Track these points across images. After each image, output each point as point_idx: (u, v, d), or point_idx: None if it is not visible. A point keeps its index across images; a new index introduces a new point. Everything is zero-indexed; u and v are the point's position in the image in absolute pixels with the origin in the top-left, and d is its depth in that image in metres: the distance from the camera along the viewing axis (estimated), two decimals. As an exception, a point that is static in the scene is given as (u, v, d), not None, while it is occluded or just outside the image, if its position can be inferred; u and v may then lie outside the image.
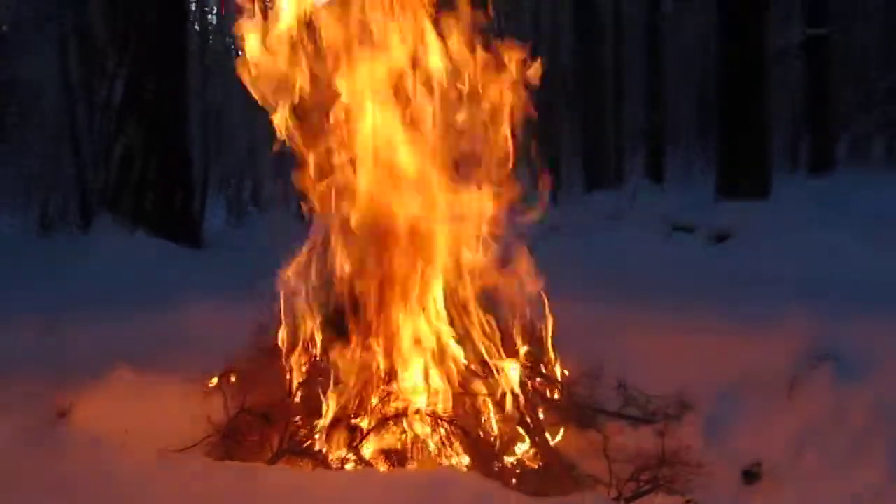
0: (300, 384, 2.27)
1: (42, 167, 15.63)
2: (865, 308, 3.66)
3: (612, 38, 17.06)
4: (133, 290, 5.13)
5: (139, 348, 3.21)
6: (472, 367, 2.29)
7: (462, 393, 2.23)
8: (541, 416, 2.40)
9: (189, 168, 7.88)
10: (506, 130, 2.50)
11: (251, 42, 2.42)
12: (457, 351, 2.28)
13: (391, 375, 2.21)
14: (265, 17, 2.46)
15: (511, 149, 2.51)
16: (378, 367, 2.21)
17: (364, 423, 2.14)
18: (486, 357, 2.36)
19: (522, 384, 2.37)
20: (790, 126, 16.89)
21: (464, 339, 2.34)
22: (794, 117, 16.42)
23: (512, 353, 2.50)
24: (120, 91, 7.24)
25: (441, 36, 2.40)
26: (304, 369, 2.32)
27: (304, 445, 2.16)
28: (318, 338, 2.34)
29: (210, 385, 2.43)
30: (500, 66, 2.47)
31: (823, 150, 14.72)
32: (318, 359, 2.30)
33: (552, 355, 2.62)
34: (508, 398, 2.27)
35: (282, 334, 2.44)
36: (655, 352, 3.17)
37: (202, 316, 3.74)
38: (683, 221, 7.16)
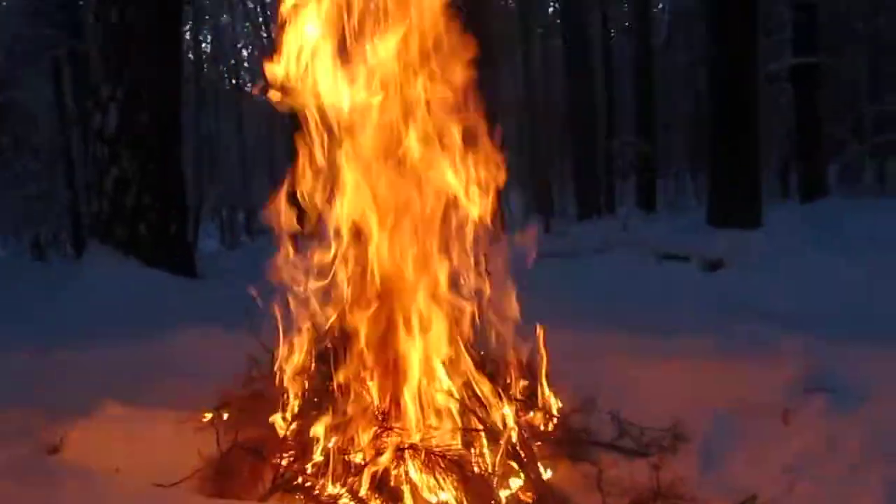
0: (293, 418, 2.26)
1: (36, 194, 15.62)
2: (859, 336, 3.69)
3: (602, 71, 17.23)
4: (126, 318, 5.13)
5: (131, 379, 3.20)
6: (466, 401, 2.28)
7: (456, 428, 2.22)
8: (535, 449, 2.39)
9: (183, 196, 7.89)
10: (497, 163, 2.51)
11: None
12: (451, 385, 2.27)
13: (385, 410, 2.20)
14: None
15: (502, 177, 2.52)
16: (372, 402, 2.20)
17: (358, 458, 2.13)
18: (479, 391, 2.35)
19: (516, 418, 2.36)
20: (781, 153, 17.04)
21: (457, 372, 2.33)
22: (785, 144, 16.55)
23: (505, 385, 2.49)
24: (114, 119, 7.26)
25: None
26: (298, 403, 2.31)
27: (297, 481, 2.14)
28: (312, 371, 2.33)
29: (202, 419, 2.41)
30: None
31: (815, 176, 14.82)
32: (312, 393, 2.29)
33: (546, 388, 2.61)
34: (503, 433, 2.26)
35: (276, 367, 2.43)
36: (649, 381, 3.17)
37: (195, 346, 3.73)
38: (675, 250, 7.19)
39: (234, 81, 24.74)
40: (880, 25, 17.19)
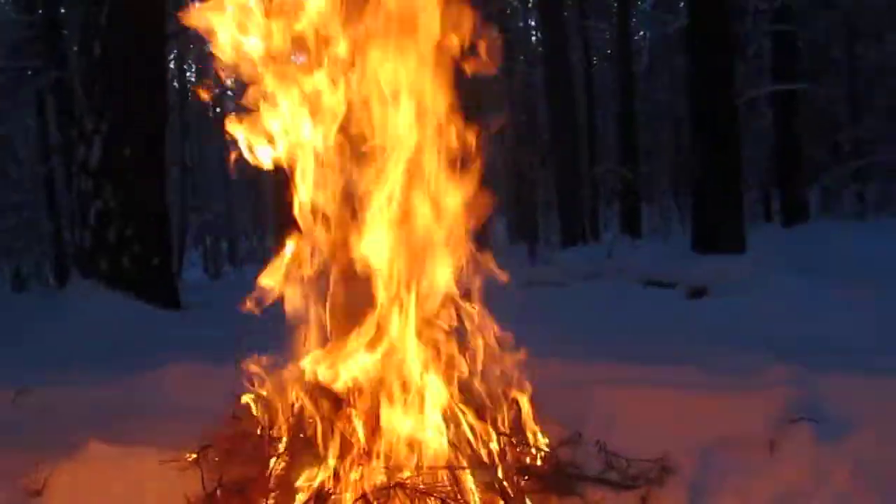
0: (279, 457, 2.24)
1: (18, 225, 15.55)
2: (845, 365, 3.70)
3: (584, 98, 17.41)
4: (109, 353, 5.09)
5: (115, 417, 3.16)
6: (452, 437, 2.27)
7: (443, 465, 2.20)
8: (521, 484, 2.38)
9: (166, 229, 7.88)
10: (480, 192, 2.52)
11: None
12: (438, 421, 2.26)
13: (371, 449, 2.19)
14: None
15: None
16: (358, 441, 2.18)
17: (348, 498, 2.11)
18: (465, 425, 2.34)
19: (502, 452, 2.36)
20: (762, 177, 17.24)
21: (443, 408, 2.33)
22: (767, 169, 16.76)
23: (492, 419, 2.48)
24: (98, 152, 7.26)
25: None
26: (283, 442, 2.29)
27: (283, 521, 2.12)
28: (298, 410, 2.32)
29: (187, 459, 2.39)
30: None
31: (796, 200, 14.99)
32: (297, 432, 2.28)
33: (532, 422, 2.60)
34: (489, 469, 2.25)
35: (260, 406, 2.41)
36: (636, 412, 3.16)
37: (180, 382, 3.70)
38: (659, 277, 7.23)
39: (218, 110, 24.80)
40: (858, 52, 17.51)
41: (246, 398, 2.51)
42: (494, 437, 2.39)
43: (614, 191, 16.39)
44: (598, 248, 11.49)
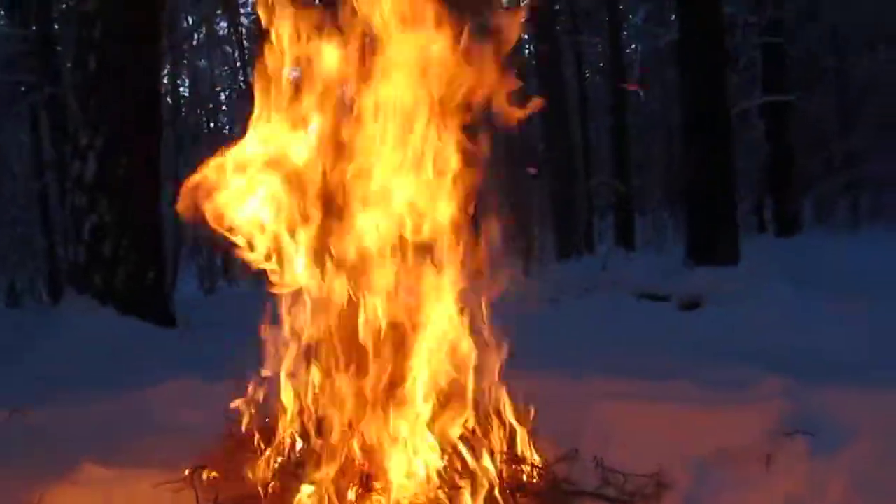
0: (273, 477, 2.24)
1: (12, 241, 15.51)
2: (839, 377, 3.71)
3: (578, 112, 17.47)
4: (103, 370, 5.06)
5: (109, 436, 3.15)
6: (447, 455, 2.27)
7: (438, 485, 2.20)
8: (518, 501, 2.37)
9: (161, 245, 7.86)
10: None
11: None
12: (432, 440, 2.26)
13: (366, 468, 2.18)
14: None
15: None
16: (355, 460, 2.18)
17: (341, 517, 2.11)
18: (459, 445, 2.33)
19: (499, 470, 2.35)
20: (756, 188, 17.31)
21: (438, 426, 2.32)
22: (759, 180, 16.82)
23: (487, 436, 2.48)
24: (93, 167, 7.24)
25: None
26: (278, 462, 2.28)
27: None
28: (295, 429, 2.31)
29: (182, 478, 2.38)
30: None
31: (789, 212, 15.05)
32: (293, 452, 2.27)
33: (528, 438, 2.60)
34: (486, 487, 2.24)
35: (255, 427, 2.40)
36: (632, 426, 3.16)
37: (174, 400, 3.68)
38: (655, 290, 7.24)
39: (212, 125, 24.83)
40: (847, 64, 17.62)
41: (241, 417, 2.50)
42: (491, 454, 2.38)
43: (608, 203, 16.43)
44: (593, 261, 11.51)
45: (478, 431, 2.44)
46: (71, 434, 3.24)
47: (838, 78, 18.00)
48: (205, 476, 2.36)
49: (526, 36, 22.35)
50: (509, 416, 2.61)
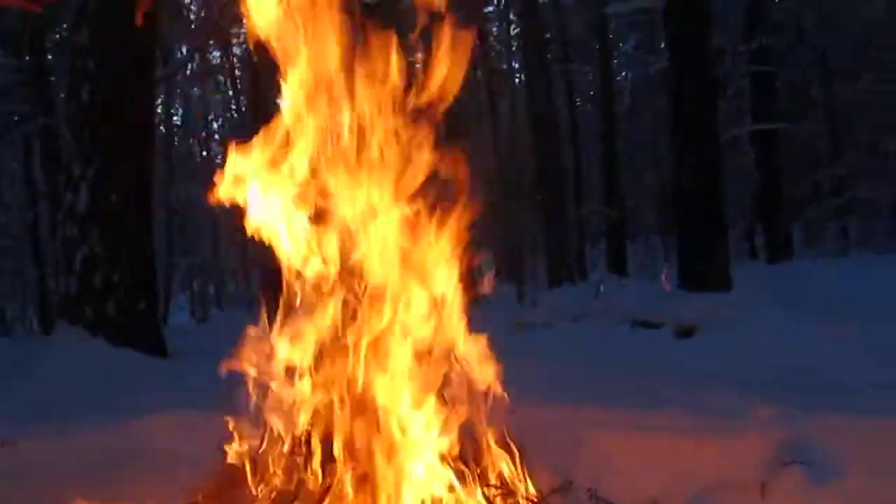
0: (267, 510, 2.22)
1: (2, 271, 15.45)
2: (833, 405, 3.71)
3: (569, 139, 17.60)
4: (94, 402, 5.02)
5: (101, 471, 3.11)
6: (441, 489, 2.25)
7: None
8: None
9: (153, 275, 7.83)
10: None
11: None
12: (427, 473, 2.25)
13: (361, 502, 2.16)
14: None
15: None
16: (347, 495, 2.16)
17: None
18: (454, 479, 2.32)
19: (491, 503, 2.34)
20: (746, 215, 17.42)
21: (432, 459, 2.31)
22: (750, 207, 16.93)
23: (481, 469, 2.46)
24: (85, 198, 7.24)
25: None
26: (271, 498, 2.26)
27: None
28: (288, 462, 2.29)
29: (173, 514, 2.36)
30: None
31: (779, 238, 15.13)
32: (285, 486, 2.25)
33: (522, 471, 2.58)
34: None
35: (248, 458, 2.38)
36: (626, 456, 3.15)
37: (166, 433, 3.64)
38: (648, 317, 7.23)
39: (205, 153, 24.92)
40: (835, 90, 17.82)
41: (233, 450, 2.47)
42: (483, 489, 2.36)
43: (599, 231, 16.51)
44: (586, 288, 11.50)
45: (470, 463, 2.43)
46: (61, 469, 3.20)
47: (827, 104, 18.20)
48: (197, 511, 2.34)
49: (516, 65, 22.60)
50: (502, 446, 2.59)
